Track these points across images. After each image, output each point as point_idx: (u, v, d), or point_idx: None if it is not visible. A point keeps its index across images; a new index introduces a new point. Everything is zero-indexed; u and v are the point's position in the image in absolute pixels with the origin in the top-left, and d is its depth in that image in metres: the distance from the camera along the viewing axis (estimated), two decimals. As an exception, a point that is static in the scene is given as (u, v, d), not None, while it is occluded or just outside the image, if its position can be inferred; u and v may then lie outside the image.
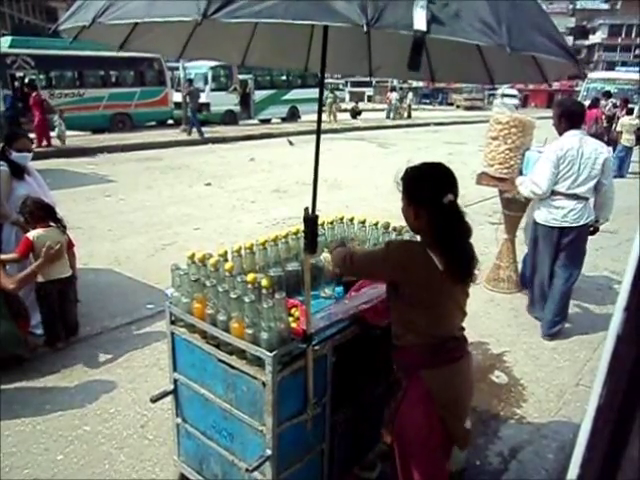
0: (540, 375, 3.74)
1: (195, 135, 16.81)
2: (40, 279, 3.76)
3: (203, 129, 16.72)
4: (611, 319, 0.60)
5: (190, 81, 17.66)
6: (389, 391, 2.16)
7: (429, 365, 1.89)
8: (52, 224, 3.84)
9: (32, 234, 3.72)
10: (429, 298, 1.85)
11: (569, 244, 4.07)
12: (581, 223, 3.98)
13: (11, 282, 3.52)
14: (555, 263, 4.20)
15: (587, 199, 3.99)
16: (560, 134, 4.05)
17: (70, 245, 4.03)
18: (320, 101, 2.08)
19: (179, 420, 2.45)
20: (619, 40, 59.33)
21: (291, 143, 15.47)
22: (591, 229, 4.14)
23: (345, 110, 28.08)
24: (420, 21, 1.28)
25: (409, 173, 1.92)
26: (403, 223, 2.05)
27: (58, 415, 3.18)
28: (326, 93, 22.45)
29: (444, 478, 2.03)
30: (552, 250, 4.16)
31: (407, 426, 1.92)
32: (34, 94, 13.83)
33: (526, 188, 4.13)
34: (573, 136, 3.95)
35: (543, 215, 4.11)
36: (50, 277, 3.78)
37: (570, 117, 4.00)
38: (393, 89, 30.65)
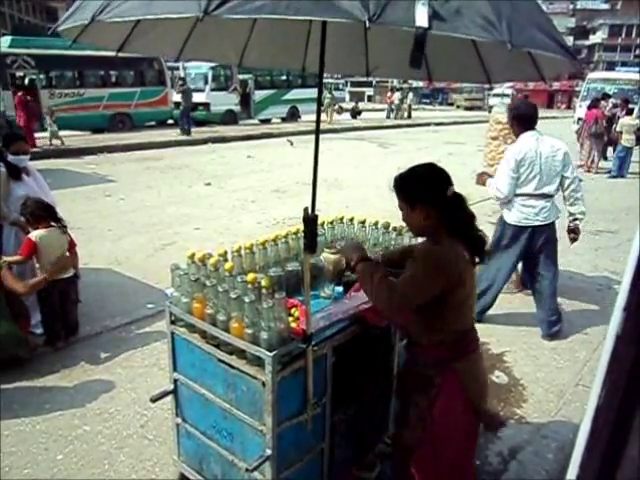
0: (540, 375, 3.74)
1: (196, 135, 16.83)
2: None
3: (202, 129, 16.74)
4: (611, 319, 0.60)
5: (183, 80, 17.56)
6: (403, 390, 2.15)
7: (460, 357, 1.93)
8: (53, 224, 3.85)
9: (34, 235, 3.72)
10: (464, 294, 1.89)
11: (545, 243, 4.13)
12: (551, 220, 4.07)
13: (22, 286, 3.57)
14: (534, 265, 4.23)
15: (553, 197, 4.05)
16: (516, 137, 4.12)
17: (72, 245, 4.03)
18: (319, 101, 2.08)
19: (179, 420, 2.45)
20: (619, 40, 59.35)
21: (291, 143, 15.47)
22: (572, 228, 4.15)
23: (346, 110, 28.11)
24: (422, 17, 1.28)
25: (407, 178, 1.93)
26: (403, 223, 2.04)
27: (58, 415, 3.18)
28: (325, 93, 22.31)
29: (472, 469, 2.08)
30: (520, 252, 4.18)
31: (447, 422, 1.93)
32: (19, 93, 13.78)
33: (492, 192, 4.20)
34: (529, 137, 4.01)
35: (514, 216, 4.12)
36: (52, 277, 3.78)
37: (522, 119, 4.06)
38: (394, 89, 30.71)
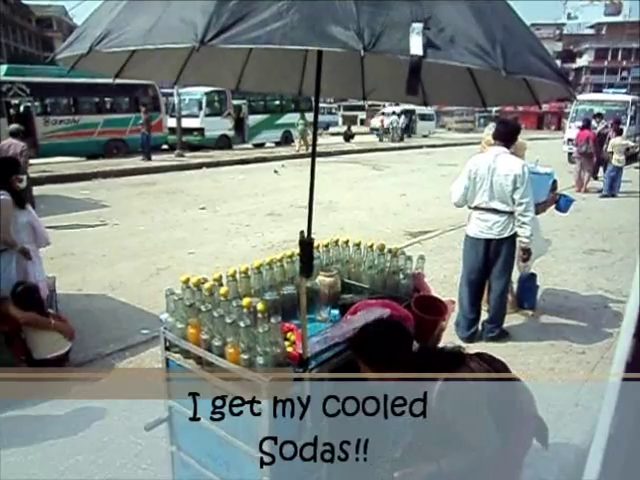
0: (538, 396, 3.70)
1: (190, 159, 16.93)
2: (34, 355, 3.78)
3: (197, 153, 16.82)
4: (610, 338, 0.59)
5: (145, 106, 17.55)
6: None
7: None
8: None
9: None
10: None
11: (497, 257, 4.30)
12: (505, 235, 4.19)
13: (21, 316, 3.66)
14: (488, 276, 4.45)
15: (509, 213, 4.14)
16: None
17: (65, 325, 4.06)
18: (315, 125, 2.09)
19: (174, 448, 2.41)
20: (605, 63, 60.65)
21: (276, 172, 15.29)
22: (522, 252, 4.28)
23: (337, 134, 28.39)
24: (416, 46, 1.31)
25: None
26: (398, 245, 2.05)
27: (50, 444, 3.12)
28: (296, 118, 21.78)
29: None
30: (481, 263, 4.35)
31: None
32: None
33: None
34: (489, 153, 4.23)
35: (471, 228, 4.35)
36: (41, 356, 3.78)
37: (494, 135, 4.31)
38: (388, 113, 31.13)
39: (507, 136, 4.23)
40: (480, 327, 4.59)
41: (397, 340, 1.88)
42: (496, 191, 4.11)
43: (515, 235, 4.20)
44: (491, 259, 4.31)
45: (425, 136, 32.96)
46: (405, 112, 29.87)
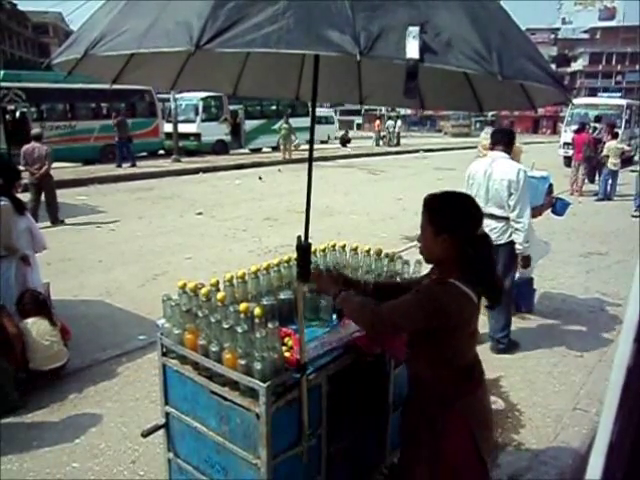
0: (536, 400, 3.71)
1: (187, 165, 16.91)
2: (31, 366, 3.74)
3: (194, 159, 16.76)
4: (607, 341, 0.59)
5: (118, 111, 17.39)
6: (406, 426, 2.09)
7: (463, 394, 1.87)
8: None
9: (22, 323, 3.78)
10: (468, 332, 1.87)
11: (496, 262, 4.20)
12: (503, 242, 4.15)
13: (13, 327, 3.63)
14: None
15: (507, 219, 4.12)
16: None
17: (65, 331, 4.05)
18: (312, 129, 2.09)
19: (171, 455, 2.39)
20: (600, 67, 61.03)
21: (261, 179, 15.03)
22: (521, 261, 4.27)
23: (335, 138, 28.40)
24: (413, 50, 1.31)
25: (442, 202, 1.87)
26: (395, 249, 2.05)
27: (46, 451, 3.09)
28: (281, 122, 20.79)
29: None
30: None
31: (453, 464, 1.87)
32: None
33: None
34: (487, 157, 4.27)
35: None
36: (38, 368, 3.74)
37: (494, 141, 4.30)
38: (383, 117, 31.23)
39: (506, 141, 4.21)
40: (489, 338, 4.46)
41: (471, 217, 1.85)
42: (492, 196, 4.11)
43: (513, 241, 4.16)
44: None
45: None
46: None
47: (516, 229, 4.07)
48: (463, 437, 1.86)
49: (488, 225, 4.13)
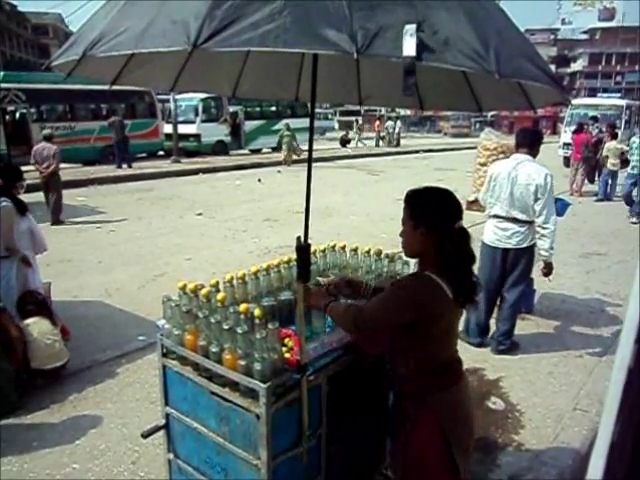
0: (537, 400, 3.71)
1: (187, 165, 16.90)
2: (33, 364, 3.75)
3: (194, 159, 16.76)
4: (607, 342, 0.59)
5: (114, 112, 17.41)
6: (391, 423, 2.11)
7: (437, 390, 1.88)
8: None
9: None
10: (443, 327, 1.86)
11: (515, 267, 4.18)
12: (524, 246, 4.09)
13: (15, 330, 3.62)
14: (503, 286, 4.30)
15: (530, 223, 4.05)
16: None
17: (65, 332, 4.07)
18: (311, 130, 2.10)
19: (171, 456, 2.39)
20: (599, 68, 61.05)
21: (260, 181, 15.03)
22: (544, 268, 4.20)
23: (334, 139, 28.40)
24: (410, 48, 1.31)
25: (420, 196, 1.88)
26: (395, 250, 2.05)
27: (46, 453, 3.09)
28: (282, 127, 20.05)
29: None
30: (498, 272, 4.23)
31: (418, 458, 1.88)
32: None
33: None
34: (512, 159, 4.15)
35: (488, 236, 4.22)
36: (39, 366, 3.74)
37: (518, 142, 4.22)
38: (383, 118, 31.20)
39: (530, 143, 4.10)
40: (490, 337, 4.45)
41: (448, 211, 1.84)
42: (517, 200, 3.99)
43: (534, 246, 4.11)
44: (508, 269, 4.19)
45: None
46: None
47: (542, 235, 4.00)
48: (431, 432, 1.86)
49: (511, 229, 4.07)
